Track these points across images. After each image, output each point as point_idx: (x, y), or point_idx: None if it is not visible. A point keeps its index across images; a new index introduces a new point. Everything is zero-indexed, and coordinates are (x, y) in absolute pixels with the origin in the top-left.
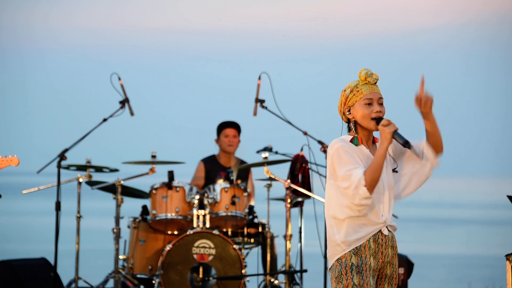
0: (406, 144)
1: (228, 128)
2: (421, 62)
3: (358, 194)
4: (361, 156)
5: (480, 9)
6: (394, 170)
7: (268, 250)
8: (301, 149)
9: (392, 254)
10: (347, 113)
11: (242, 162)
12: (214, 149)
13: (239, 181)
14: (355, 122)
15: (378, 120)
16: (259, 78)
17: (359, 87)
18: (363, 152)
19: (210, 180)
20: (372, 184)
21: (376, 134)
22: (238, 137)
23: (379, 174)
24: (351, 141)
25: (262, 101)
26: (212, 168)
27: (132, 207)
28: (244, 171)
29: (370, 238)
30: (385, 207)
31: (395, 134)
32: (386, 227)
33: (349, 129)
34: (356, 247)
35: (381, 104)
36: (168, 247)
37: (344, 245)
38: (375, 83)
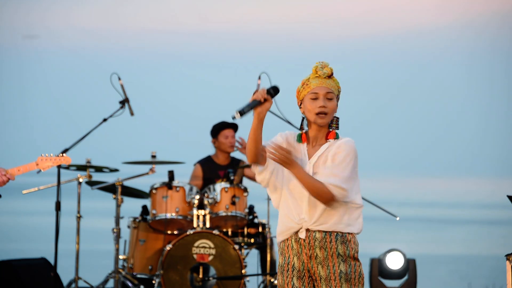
0: (239, 111)
1: (226, 129)
2: (423, 63)
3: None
4: (295, 151)
5: (481, 9)
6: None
7: (268, 251)
8: None
9: (325, 256)
10: (300, 107)
11: (237, 161)
12: (212, 149)
13: (236, 177)
14: (304, 117)
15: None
16: (259, 78)
17: (310, 81)
18: (299, 150)
19: (208, 180)
20: (247, 154)
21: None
22: (235, 136)
23: (249, 143)
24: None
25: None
26: (209, 169)
27: (132, 207)
28: (240, 169)
29: (292, 238)
30: (306, 210)
31: (251, 101)
32: (308, 230)
33: (301, 124)
34: (281, 247)
35: (329, 100)
36: (168, 247)
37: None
38: (329, 76)
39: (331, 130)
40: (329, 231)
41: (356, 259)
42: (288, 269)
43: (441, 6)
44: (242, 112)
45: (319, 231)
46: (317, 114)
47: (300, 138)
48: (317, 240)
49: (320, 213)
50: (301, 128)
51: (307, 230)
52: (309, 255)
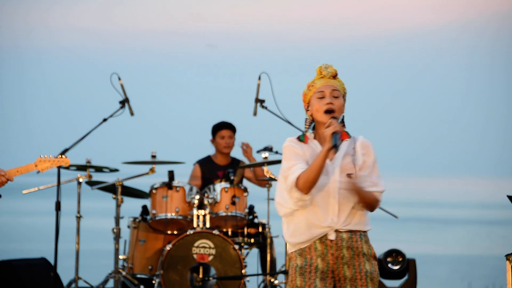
0: (333, 147)
1: (223, 129)
2: (422, 63)
3: (293, 197)
4: (310, 153)
5: (481, 9)
6: (348, 175)
7: (268, 251)
8: None
9: (351, 255)
10: (307, 110)
11: (237, 161)
12: (212, 149)
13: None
14: (312, 119)
15: (330, 112)
16: (259, 78)
17: (314, 82)
18: (314, 150)
19: (207, 180)
20: (306, 185)
21: (351, 131)
22: (233, 137)
23: (315, 175)
24: (298, 138)
25: (262, 101)
26: (208, 169)
27: (132, 207)
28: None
29: (316, 240)
30: (334, 211)
31: (332, 135)
32: (337, 231)
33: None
34: (300, 248)
35: (335, 97)
36: (168, 247)
37: (290, 245)
38: (333, 77)
39: None
40: (354, 230)
41: (376, 258)
42: (311, 270)
43: (441, 6)
44: (337, 147)
45: (345, 231)
46: (325, 111)
47: (303, 138)
48: (344, 240)
49: (347, 213)
50: (314, 129)
51: (336, 231)
52: (336, 255)
